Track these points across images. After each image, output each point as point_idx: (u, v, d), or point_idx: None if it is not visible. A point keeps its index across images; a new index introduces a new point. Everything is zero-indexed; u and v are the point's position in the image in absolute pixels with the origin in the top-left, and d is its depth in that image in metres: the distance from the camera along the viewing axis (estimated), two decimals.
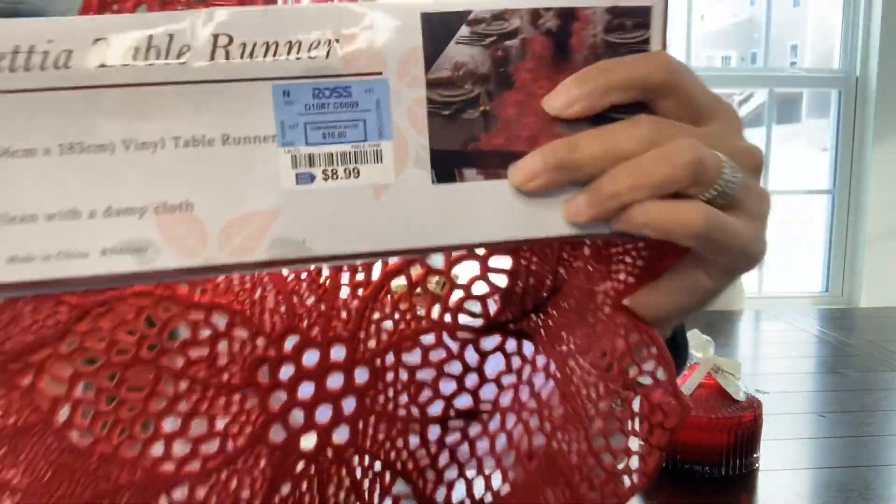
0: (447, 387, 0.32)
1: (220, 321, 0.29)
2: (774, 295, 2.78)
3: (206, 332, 0.29)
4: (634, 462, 0.29)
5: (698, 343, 1.06)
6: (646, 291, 0.29)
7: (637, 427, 0.28)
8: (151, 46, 0.23)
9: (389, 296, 0.32)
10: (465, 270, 0.32)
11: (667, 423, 0.28)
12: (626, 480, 0.29)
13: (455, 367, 0.33)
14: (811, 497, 0.98)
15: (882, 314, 2.16)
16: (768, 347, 1.82)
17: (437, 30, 0.25)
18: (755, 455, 1.04)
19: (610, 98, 0.25)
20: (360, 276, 0.31)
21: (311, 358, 0.30)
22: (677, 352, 0.36)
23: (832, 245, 2.78)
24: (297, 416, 0.30)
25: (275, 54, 0.24)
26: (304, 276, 0.31)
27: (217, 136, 0.24)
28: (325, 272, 0.31)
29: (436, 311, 0.32)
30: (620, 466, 0.29)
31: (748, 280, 2.22)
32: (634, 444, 0.29)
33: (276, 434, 0.30)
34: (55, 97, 0.23)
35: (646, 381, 0.29)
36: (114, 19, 0.24)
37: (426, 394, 0.32)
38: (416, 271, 0.32)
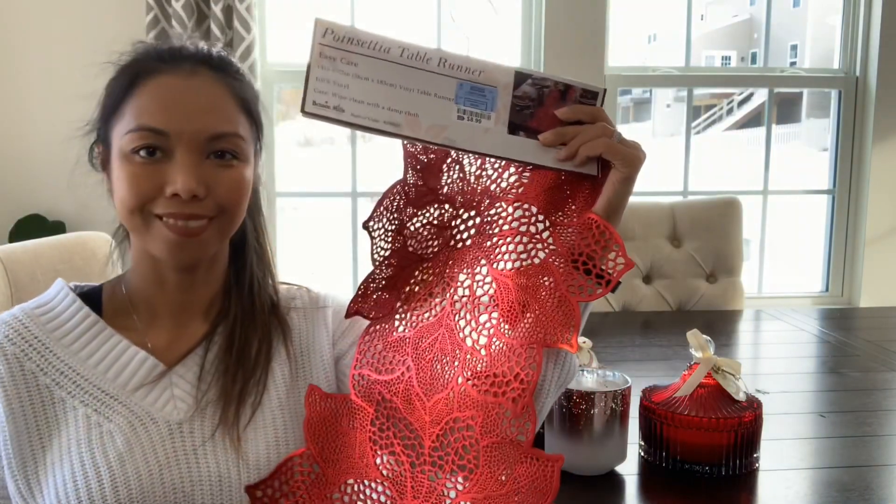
0: (508, 214, 0.77)
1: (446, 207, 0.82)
2: (774, 295, 2.78)
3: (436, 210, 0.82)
4: (593, 287, 0.70)
5: (698, 343, 1.06)
6: (600, 200, 0.74)
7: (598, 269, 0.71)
8: (415, 54, 0.69)
9: (494, 185, 0.79)
10: (511, 175, 0.78)
11: (616, 272, 0.70)
12: (589, 290, 0.70)
13: (510, 208, 0.77)
14: (811, 497, 0.98)
15: (882, 314, 2.16)
16: (768, 347, 1.82)
17: (520, 78, 0.73)
18: (755, 455, 1.04)
19: (578, 117, 0.75)
20: (486, 171, 0.80)
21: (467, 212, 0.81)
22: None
23: (832, 245, 2.78)
24: (457, 234, 0.80)
25: (460, 70, 0.71)
26: (463, 174, 0.80)
27: (433, 93, 0.70)
28: (470, 173, 0.80)
29: (501, 191, 0.78)
30: (588, 283, 0.70)
31: (748, 280, 2.21)
32: (586, 278, 0.71)
33: (449, 240, 0.81)
34: (381, 63, 0.68)
35: (606, 251, 0.71)
36: (403, 41, 0.69)
37: (498, 214, 0.77)
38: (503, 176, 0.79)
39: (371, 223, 0.81)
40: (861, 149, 2.69)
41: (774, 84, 2.74)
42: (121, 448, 0.75)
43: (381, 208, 0.81)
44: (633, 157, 0.72)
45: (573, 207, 0.75)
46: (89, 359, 0.80)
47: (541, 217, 0.74)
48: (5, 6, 2.37)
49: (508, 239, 0.75)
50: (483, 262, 0.76)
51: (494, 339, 0.73)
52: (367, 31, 0.68)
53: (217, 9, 2.27)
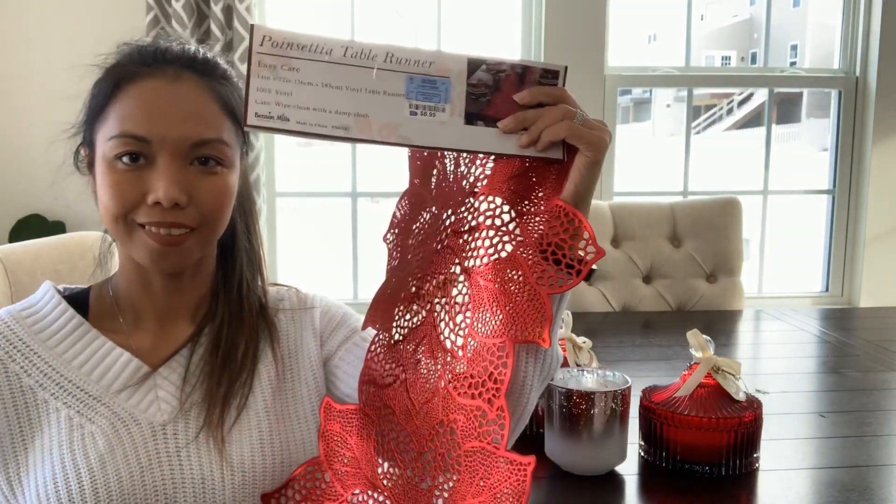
0: (475, 209, 0.74)
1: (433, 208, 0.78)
2: (774, 295, 2.78)
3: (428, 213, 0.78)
4: (564, 278, 0.67)
5: (698, 343, 1.06)
6: (567, 187, 0.69)
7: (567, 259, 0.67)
8: (359, 52, 0.65)
9: (465, 181, 0.75)
10: (477, 167, 0.74)
11: (587, 260, 0.66)
12: (560, 281, 0.67)
13: (476, 202, 0.74)
14: (811, 497, 0.98)
15: (882, 314, 2.16)
16: (768, 347, 1.82)
17: (473, 65, 0.68)
18: (755, 455, 1.04)
19: (538, 100, 0.69)
20: (460, 170, 0.76)
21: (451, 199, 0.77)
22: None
23: (832, 245, 2.78)
24: (437, 235, 0.76)
25: (409, 64, 0.66)
26: (445, 174, 0.76)
27: (381, 90, 0.65)
28: (450, 171, 0.76)
29: (469, 185, 0.74)
30: (559, 274, 0.67)
31: (748, 280, 2.21)
32: (556, 269, 0.67)
33: (433, 243, 0.76)
34: (324, 65, 0.64)
35: (576, 239, 0.67)
36: (346, 40, 0.64)
37: (467, 210, 0.74)
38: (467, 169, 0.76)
39: (388, 235, 0.81)
40: (861, 149, 2.69)
41: (774, 84, 2.75)
42: (102, 449, 0.75)
43: (393, 219, 0.81)
44: (597, 140, 0.67)
45: (540, 195, 0.71)
46: (73, 360, 0.79)
47: (506, 208, 0.71)
48: (5, 6, 2.37)
49: (476, 234, 0.72)
50: (456, 260, 0.73)
51: (470, 340, 0.70)
52: (307, 34, 0.64)
53: (217, 9, 2.27)
